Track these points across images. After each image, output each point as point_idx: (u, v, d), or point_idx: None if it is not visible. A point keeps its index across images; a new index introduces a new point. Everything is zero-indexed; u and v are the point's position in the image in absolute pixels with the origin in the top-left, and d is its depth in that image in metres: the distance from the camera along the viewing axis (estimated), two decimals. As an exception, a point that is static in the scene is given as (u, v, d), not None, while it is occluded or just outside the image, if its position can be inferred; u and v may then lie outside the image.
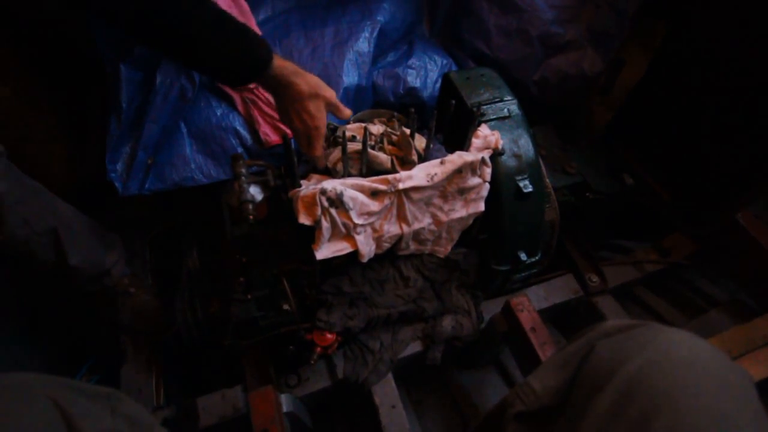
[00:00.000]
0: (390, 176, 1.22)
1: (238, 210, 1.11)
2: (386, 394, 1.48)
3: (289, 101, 1.23)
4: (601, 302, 1.74)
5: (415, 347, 1.58)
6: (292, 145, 1.54)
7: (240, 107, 1.48)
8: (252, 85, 1.48)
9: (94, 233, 1.50)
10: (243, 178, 1.13)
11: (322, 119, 1.26)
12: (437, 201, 1.34)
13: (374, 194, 1.22)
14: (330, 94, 1.26)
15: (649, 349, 0.65)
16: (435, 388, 1.83)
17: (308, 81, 1.21)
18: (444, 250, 1.48)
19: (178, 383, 1.64)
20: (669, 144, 1.87)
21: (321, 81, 1.25)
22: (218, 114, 1.52)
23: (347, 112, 1.33)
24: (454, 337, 1.57)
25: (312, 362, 1.37)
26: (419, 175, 1.25)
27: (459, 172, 1.28)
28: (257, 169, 1.42)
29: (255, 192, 1.14)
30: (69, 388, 0.70)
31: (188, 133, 1.54)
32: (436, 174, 1.25)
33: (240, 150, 1.52)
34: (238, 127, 1.50)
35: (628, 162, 1.93)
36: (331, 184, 1.13)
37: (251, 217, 1.10)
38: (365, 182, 1.19)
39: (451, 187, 1.32)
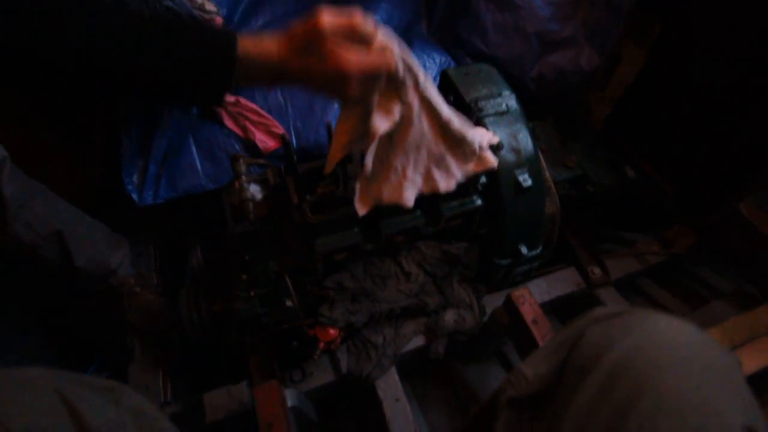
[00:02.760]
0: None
1: (238, 208, 1.13)
2: (390, 387, 1.49)
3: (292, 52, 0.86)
4: (603, 294, 1.74)
5: (417, 341, 1.59)
6: (293, 144, 1.57)
7: (229, 123, 1.51)
8: (232, 99, 1.49)
9: (100, 234, 1.53)
10: (243, 177, 1.15)
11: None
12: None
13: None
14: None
15: (635, 332, 0.66)
16: (438, 382, 1.84)
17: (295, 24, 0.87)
18: (445, 185, 1.27)
19: (185, 380, 1.66)
20: (669, 136, 1.87)
21: None
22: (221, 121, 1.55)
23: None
24: (456, 331, 1.58)
25: (315, 357, 1.39)
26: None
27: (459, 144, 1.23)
28: (257, 170, 1.44)
29: (255, 191, 1.16)
30: (74, 381, 0.72)
31: (194, 141, 1.57)
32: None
33: (244, 154, 1.54)
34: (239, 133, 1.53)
35: (628, 155, 1.94)
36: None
37: (251, 215, 1.11)
38: None
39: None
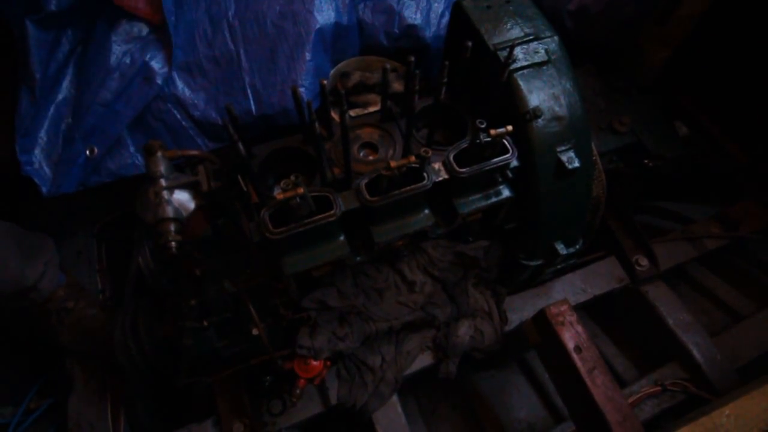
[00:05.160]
0: None
1: (155, 231, 0.76)
2: (391, 422, 1.20)
3: None
4: (651, 292, 1.41)
5: (424, 360, 1.28)
6: (252, 109, 1.16)
7: None
8: None
9: (7, 241, 1.17)
10: (161, 181, 0.76)
11: None
12: None
13: None
14: None
15: None
16: (449, 394, 1.57)
17: None
18: None
19: (148, 413, 1.37)
20: (746, 89, 1.44)
21: None
22: (152, 79, 1.13)
23: None
24: (473, 348, 1.27)
25: (294, 399, 1.08)
26: None
27: None
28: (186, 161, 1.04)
29: (182, 200, 0.77)
30: None
31: (122, 109, 1.17)
32: None
33: (186, 124, 1.14)
34: (178, 94, 1.11)
35: (689, 111, 1.52)
36: None
37: (173, 245, 0.74)
38: None
39: None
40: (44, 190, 1.19)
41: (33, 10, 1.13)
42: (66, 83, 1.23)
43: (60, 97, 1.22)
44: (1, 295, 1.14)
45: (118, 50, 1.17)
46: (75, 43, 1.24)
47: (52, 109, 1.22)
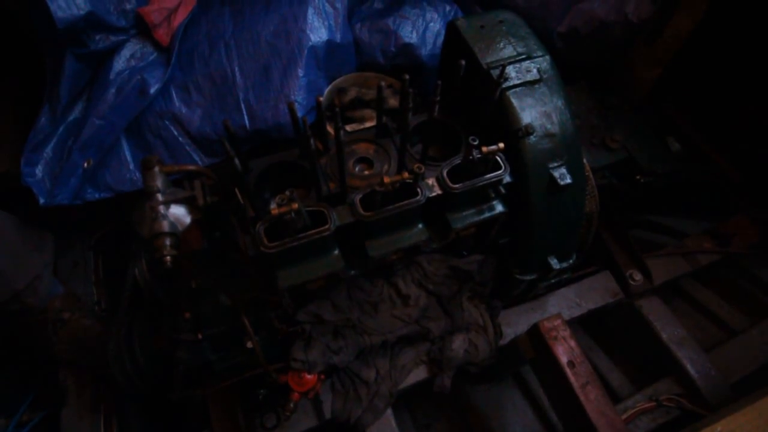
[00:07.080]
0: None
1: (151, 245, 0.77)
2: (385, 438, 1.20)
3: None
4: (646, 306, 1.42)
5: (419, 374, 1.28)
6: (246, 124, 1.18)
7: None
8: None
9: (8, 231, 1.18)
10: (158, 196, 0.77)
11: None
12: None
13: None
14: None
15: None
16: (444, 408, 1.56)
17: None
18: None
19: (142, 426, 1.36)
20: (737, 106, 1.47)
21: None
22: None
23: None
24: (468, 362, 1.27)
25: (288, 413, 1.08)
26: None
27: None
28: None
29: (178, 215, 0.79)
30: None
31: (117, 120, 1.20)
32: None
33: (183, 140, 1.16)
34: (175, 111, 1.14)
35: (681, 128, 1.55)
36: None
37: (168, 259, 0.75)
38: None
39: None
40: (41, 200, 1.20)
41: (77, 45, 1.18)
42: (79, 107, 1.27)
43: (71, 118, 1.26)
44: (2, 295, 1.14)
45: (118, 67, 1.20)
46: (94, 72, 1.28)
47: (62, 128, 1.26)
